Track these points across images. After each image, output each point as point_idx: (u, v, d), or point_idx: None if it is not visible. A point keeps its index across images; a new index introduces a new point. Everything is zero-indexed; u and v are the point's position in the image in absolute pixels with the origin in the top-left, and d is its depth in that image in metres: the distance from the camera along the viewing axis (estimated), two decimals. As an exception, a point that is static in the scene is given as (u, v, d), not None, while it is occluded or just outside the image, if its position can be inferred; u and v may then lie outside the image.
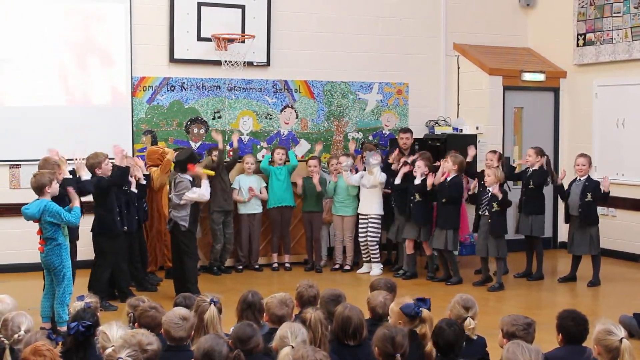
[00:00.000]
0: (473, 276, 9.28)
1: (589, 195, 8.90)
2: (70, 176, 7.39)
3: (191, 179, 7.95)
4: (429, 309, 4.46)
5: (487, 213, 8.76)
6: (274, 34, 10.45)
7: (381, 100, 11.15)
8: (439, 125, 11.18)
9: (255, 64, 10.35)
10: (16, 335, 4.19)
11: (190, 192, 7.83)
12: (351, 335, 4.38)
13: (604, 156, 10.66)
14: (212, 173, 8.42)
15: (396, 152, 9.73)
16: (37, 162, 7.47)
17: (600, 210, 9.37)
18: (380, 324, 4.35)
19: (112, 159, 8.01)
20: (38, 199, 6.60)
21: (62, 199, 6.76)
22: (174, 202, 7.93)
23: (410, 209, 9.18)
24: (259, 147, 10.53)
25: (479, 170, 9.74)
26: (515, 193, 9.71)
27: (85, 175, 7.47)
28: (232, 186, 9.68)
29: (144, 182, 8.65)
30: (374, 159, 9.41)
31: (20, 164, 9.49)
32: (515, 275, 9.42)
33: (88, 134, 9.46)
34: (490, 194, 8.72)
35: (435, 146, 10.52)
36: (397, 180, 9.34)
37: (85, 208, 7.11)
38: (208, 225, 9.61)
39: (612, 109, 10.66)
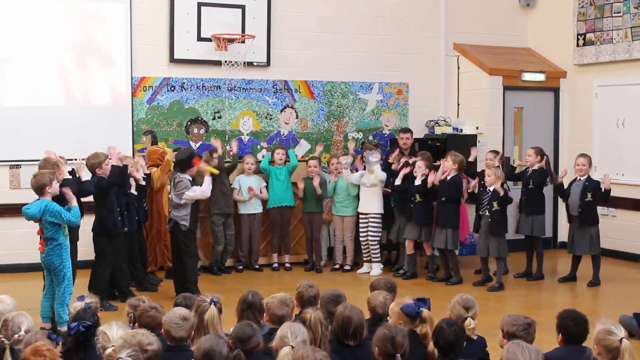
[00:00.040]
0: (473, 276, 9.28)
1: (589, 195, 8.90)
2: (70, 177, 7.38)
3: (191, 179, 7.95)
4: (429, 309, 4.47)
5: (487, 213, 8.76)
6: (274, 34, 10.45)
7: (381, 100, 11.15)
8: (439, 125, 11.18)
9: (255, 64, 10.35)
10: (16, 336, 4.19)
11: (190, 191, 7.82)
12: (351, 336, 4.38)
13: (604, 156, 10.65)
14: (216, 172, 8.43)
15: (396, 152, 9.73)
16: (37, 163, 7.48)
17: (600, 210, 9.37)
18: (380, 324, 4.36)
19: (112, 159, 8.02)
20: (39, 199, 6.61)
21: (62, 199, 6.76)
22: (174, 202, 7.93)
23: (411, 209, 9.18)
24: (259, 147, 10.53)
25: (479, 170, 9.73)
26: (515, 193, 9.70)
27: (86, 175, 7.45)
28: (232, 186, 9.68)
29: (144, 183, 8.65)
30: (374, 156, 9.42)
31: (20, 164, 9.49)
32: (515, 275, 9.42)
33: (88, 134, 9.45)
34: (490, 193, 8.72)
35: (435, 146, 10.52)
36: (398, 181, 9.35)
37: (85, 208, 7.11)
38: (208, 226, 9.61)
39: (612, 109, 10.65)
